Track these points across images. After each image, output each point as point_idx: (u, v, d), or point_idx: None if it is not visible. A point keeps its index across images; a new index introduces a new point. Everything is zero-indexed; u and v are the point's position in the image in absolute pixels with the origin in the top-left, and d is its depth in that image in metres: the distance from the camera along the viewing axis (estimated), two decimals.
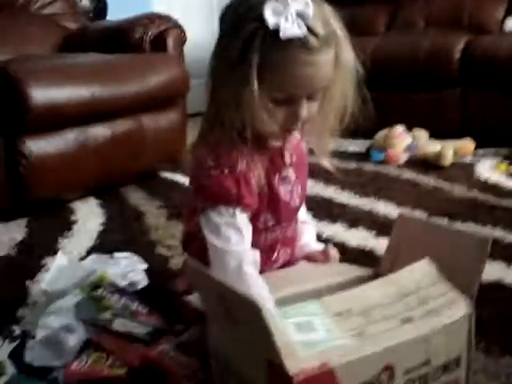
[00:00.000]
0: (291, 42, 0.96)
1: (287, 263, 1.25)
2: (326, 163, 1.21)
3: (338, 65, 1.03)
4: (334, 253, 1.25)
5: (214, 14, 4.48)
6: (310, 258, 1.25)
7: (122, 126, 2.27)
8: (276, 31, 0.95)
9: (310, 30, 0.96)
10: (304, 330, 0.76)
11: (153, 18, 2.59)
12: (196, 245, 1.18)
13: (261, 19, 0.95)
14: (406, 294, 0.85)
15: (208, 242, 1.07)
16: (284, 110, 1.03)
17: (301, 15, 0.96)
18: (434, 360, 0.82)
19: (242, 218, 1.07)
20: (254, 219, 1.11)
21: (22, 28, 2.74)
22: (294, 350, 0.73)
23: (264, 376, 0.76)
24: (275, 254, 1.21)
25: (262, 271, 1.11)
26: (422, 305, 0.84)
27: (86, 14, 3.33)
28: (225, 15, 1.06)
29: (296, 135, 1.17)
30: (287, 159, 1.17)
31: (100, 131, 2.19)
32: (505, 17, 3.35)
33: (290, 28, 0.95)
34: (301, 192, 1.21)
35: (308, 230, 1.33)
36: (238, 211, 1.06)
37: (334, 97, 1.07)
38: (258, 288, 1.02)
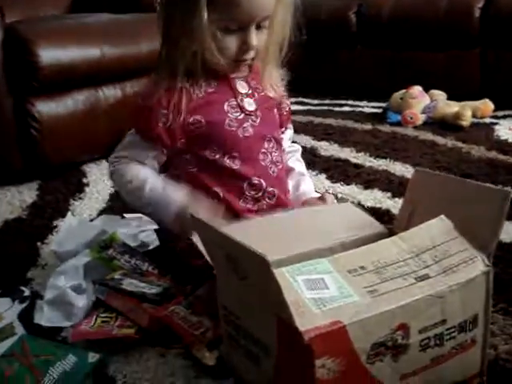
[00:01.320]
0: None
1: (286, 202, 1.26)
2: (271, 91, 1.24)
3: None
4: (331, 198, 1.25)
5: None
6: (307, 204, 1.25)
7: (133, 86, 2.23)
8: None
9: None
10: (315, 287, 0.74)
11: None
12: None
13: None
14: (421, 251, 0.82)
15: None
16: (234, 39, 1.08)
17: None
18: (450, 319, 0.79)
19: (148, 152, 1.18)
20: (199, 153, 1.17)
21: None
22: (305, 307, 0.70)
23: (273, 333, 0.74)
24: (245, 186, 1.21)
25: (238, 212, 1.18)
26: (437, 262, 0.81)
27: None
28: None
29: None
30: (242, 90, 1.20)
31: (111, 92, 2.16)
32: None
33: None
34: (260, 124, 1.22)
35: (305, 181, 1.34)
36: (149, 146, 1.16)
37: (275, 26, 1.13)
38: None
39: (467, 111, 2.47)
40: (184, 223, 1.05)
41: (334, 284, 0.75)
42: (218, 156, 1.18)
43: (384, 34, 3.09)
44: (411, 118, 2.55)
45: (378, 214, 1.55)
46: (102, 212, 1.68)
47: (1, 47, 1.89)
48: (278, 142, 1.28)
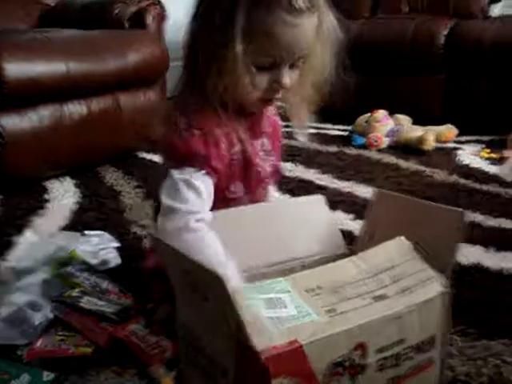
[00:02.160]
0: (277, 2, 0.95)
1: None
2: (301, 137, 1.21)
3: (319, 32, 1.02)
4: None
5: None
6: None
7: (99, 103, 2.22)
8: None
9: None
10: (273, 306, 0.73)
11: None
12: None
13: None
14: (379, 272, 0.82)
15: (162, 202, 1.02)
16: (266, 76, 1.01)
17: None
18: (407, 339, 0.79)
19: (205, 183, 1.03)
20: (223, 189, 1.09)
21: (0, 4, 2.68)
22: (262, 326, 0.70)
23: (231, 353, 0.73)
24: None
25: None
26: (395, 282, 0.81)
27: None
28: None
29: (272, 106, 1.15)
30: (265, 128, 1.16)
31: (76, 108, 2.13)
32: (490, 2, 3.34)
33: None
34: (275, 162, 1.19)
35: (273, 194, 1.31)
36: (202, 174, 1.02)
37: (314, 65, 1.05)
38: (212, 249, 0.96)
39: (430, 136, 2.52)
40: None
41: (292, 303, 0.75)
42: (240, 194, 1.13)
43: (351, 58, 3.14)
44: (376, 141, 2.58)
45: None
46: (63, 229, 1.66)
47: None
48: None
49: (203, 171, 1.02)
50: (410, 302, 0.79)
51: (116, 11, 2.47)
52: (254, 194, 1.16)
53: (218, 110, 1.03)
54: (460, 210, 0.87)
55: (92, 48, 2.19)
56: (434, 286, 0.82)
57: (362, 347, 0.74)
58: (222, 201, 1.08)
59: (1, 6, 2.67)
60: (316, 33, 1.01)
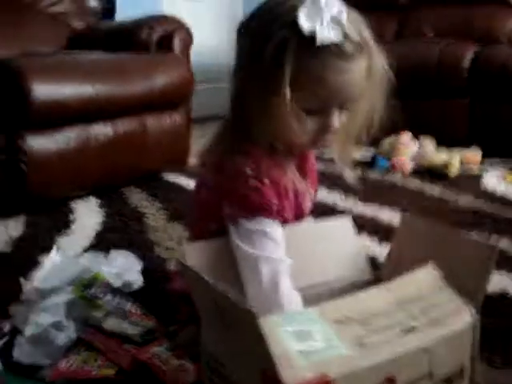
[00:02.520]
0: (326, 48, 0.93)
1: None
2: (348, 174, 1.15)
3: (369, 74, 1.00)
4: None
5: (223, 21, 4.49)
6: None
7: (125, 125, 2.24)
8: (311, 37, 0.92)
9: (345, 35, 0.94)
10: (302, 339, 0.72)
11: (160, 19, 2.57)
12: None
13: (294, 24, 0.92)
14: (407, 302, 0.81)
15: (240, 254, 1.00)
16: (316, 120, 0.99)
17: (335, 21, 0.93)
18: (436, 371, 0.78)
19: (279, 231, 1.02)
20: None
21: (29, 26, 2.72)
22: (291, 360, 0.68)
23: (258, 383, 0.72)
24: None
25: None
26: (424, 313, 0.80)
27: (94, 13, 3.32)
28: (247, 25, 1.02)
29: None
30: (309, 165, 1.15)
31: (102, 130, 2.16)
32: None
33: (327, 33, 0.92)
34: (313, 198, 1.18)
35: None
36: (276, 224, 1.01)
37: (362, 107, 1.03)
38: (292, 305, 0.96)
39: (455, 160, 2.50)
40: None
41: (321, 335, 0.74)
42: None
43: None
44: (400, 165, 2.57)
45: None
46: (87, 249, 1.67)
47: None
48: None
49: (276, 221, 1.02)
50: (440, 334, 0.78)
51: (143, 35, 2.50)
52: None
53: (273, 156, 1.02)
54: (493, 244, 0.86)
55: (119, 71, 2.22)
56: (464, 317, 0.81)
57: (391, 380, 0.73)
58: None
59: (30, 28, 2.72)
60: (366, 75, 0.99)
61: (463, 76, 2.97)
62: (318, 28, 0.91)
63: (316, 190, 1.21)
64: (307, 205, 1.15)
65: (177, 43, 2.53)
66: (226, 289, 0.73)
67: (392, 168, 2.58)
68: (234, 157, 1.03)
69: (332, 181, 2.41)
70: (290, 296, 0.97)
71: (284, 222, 1.05)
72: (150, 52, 2.50)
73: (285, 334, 0.73)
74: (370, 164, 2.72)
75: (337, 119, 0.99)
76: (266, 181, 1.00)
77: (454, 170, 2.49)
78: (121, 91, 2.18)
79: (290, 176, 1.05)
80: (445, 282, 0.85)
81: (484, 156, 2.71)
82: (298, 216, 1.12)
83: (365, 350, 0.73)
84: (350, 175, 1.15)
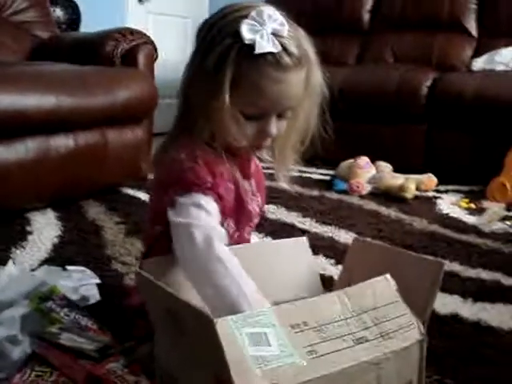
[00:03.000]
0: (265, 58, 0.98)
1: None
2: (283, 182, 1.21)
3: (306, 86, 1.05)
4: None
5: (188, 36, 4.52)
6: None
7: (86, 138, 2.23)
8: (251, 46, 0.98)
9: (284, 48, 0.99)
10: (257, 343, 0.74)
11: (125, 33, 2.57)
12: (159, 246, 1.13)
13: (237, 34, 0.98)
14: (362, 311, 0.84)
15: (172, 224, 1.03)
16: (254, 125, 1.05)
17: (276, 34, 0.99)
18: None
19: (214, 205, 1.04)
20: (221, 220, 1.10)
21: None
22: (246, 365, 0.71)
23: None
24: None
25: None
26: (376, 325, 0.83)
27: (59, 24, 3.30)
28: (201, 30, 1.08)
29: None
30: (252, 169, 1.19)
31: (63, 142, 2.14)
32: (473, 56, 3.43)
33: (265, 44, 0.98)
34: (261, 203, 1.21)
35: None
36: (210, 198, 1.04)
37: (299, 117, 1.10)
38: (237, 275, 0.95)
39: (411, 184, 2.56)
40: None
41: (275, 341, 0.76)
42: (231, 231, 1.13)
43: (334, 105, 3.19)
44: (357, 187, 2.62)
45: (321, 280, 1.57)
46: (43, 262, 1.65)
47: None
48: None
49: (210, 196, 1.04)
50: (390, 349, 0.81)
51: (108, 48, 2.50)
52: (242, 234, 1.18)
53: (214, 150, 1.07)
54: (439, 260, 0.90)
55: (82, 83, 2.21)
56: (413, 333, 0.85)
57: None
58: None
59: None
60: (304, 86, 1.05)
61: (421, 103, 3.05)
62: (257, 39, 0.98)
63: (264, 198, 1.24)
64: (254, 207, 1.18)
65: (141, 57, 2.54)
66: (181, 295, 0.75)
67: (350, 190, 2.63)
68: (171, 149, 1.10)
69: (290, 200, 2.45)
70: (227, 254, 0.98)
71: (222, 204, 1.07)
72: (114, 65, 2.50)
73: (240, 336, 0.74)
74: (328, 185, 2.77)
75: (274, 126, 1.05)
76: (200, 161, 1.05)
77: (410, 193, 2.55)
78: (83, 104, 2.17)
79: (227, 166, 1.08)
80: (399, 295, 0.89)
81: (439, 182, 2.78)
82: (241, 217, 1.15)
83: (316, 359, 0.76)
84: (286, 185, 1.21)
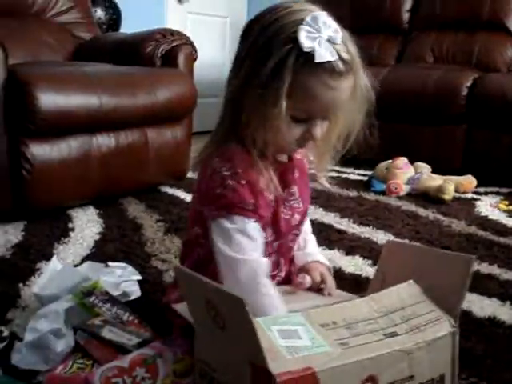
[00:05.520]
0: (322, 65, 0.99)
1: (288, 272, 1.25)
2: (324, 182, 1.22)
3: (353, 92, 1.06)
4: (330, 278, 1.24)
5: (227, 37, 4.55)
6: (311, 266, 1.24)
7: (127, 137, 2.27)
8: (309, 54, 0.98)
9: (338, 56, 1.00)
10: (288, 337, 0.77)
11: (165, 34, 2.60)
12: (194, 253, 1.18)
13: (294, 41, 0.99)
14: (390, 311, 0.86)
15: (218, 252, 1.06)
16: (300, 127, 1.06)
17: (331, 41, 1.00)
18: (417, 376, 0.82)
19: (256, 228, 1.08)
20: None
21: (35, 34, 2.75)
22: (278, 352, 0.73)
23: (246, 378, 0.76)
24: (278, 268, 1.21)
25: None
26: (406, 321, 0.85)
27: (100, 24, 3.36)
28: (249, 32, 1.07)
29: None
30: (296, 174, 1.19)
31: (105, 141, 2.19)
32: None
33: (324, 53, 0.98)
34: (303, 208, 1.21)
35: (312, 242, 1.33)
36: (252, 221, 1.07)
37: (343, 121, 1.10)
38: (272, 298, 1.02)
39: (450, 186, 2.54)
40: None
41: (306, 335, 0.78)
42: (270, 239, 1.15)
43: (375, 105, 3.18)
44: (395, 188, 2.61)
45: (358, 280, 1.58)
46: (85, 258, 1.69)
47: (2, 88, 1.92)
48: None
49: (253, 219, 1.07)
50: (420, 339, 0.82)
51: (149, 49, 2.54)
52: (283, 241, 1.19)
53: (257, 160, 1.07)
54: (469, 255, 0.91)
55: (124, 83, 2.25)
56: (444, 326, 0.86)
57: (373, 379, 0.77)
58: None
59: (36, 38, 2.74)
60: (351, 93, 1.05)
61: (461, 103, 3.01)
62: (316, 47, 0.98)
63: (308, 202, 1.25)
64: (294, 216, 1.18)
65: (181, 58, 2.57)
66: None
67: (388, 191, 2.62)
68: (212, 157, 1.10)
69: (328, 200, 2.46)
70: (271, 297, 1.02)
71: (261, 219, 1.09)
72: (155, 66, 2.54)
73: (271, 332, 0.77)
74: (366, 186, 2.76)
75: (319, 129, 1.06)
76: (243, 181, 1.06)
77: (449, 195, 2.52)
78: (125, 103, 2.22)
79: (267, 176, 1.09)
80: (425, 295, 0.90)
81: (478, 184, 2.75)
82: (279, 225, 1.15)
83: (348, 349, 0.78)
84: (326, 183, 1.23)
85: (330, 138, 1.13)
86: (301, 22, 0.99)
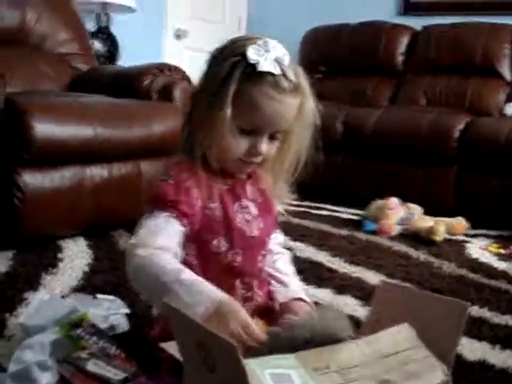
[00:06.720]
0: (266, 78, 1.08)
1: (265, 304, 1.25)
2: (279, 207, 1.29)
3: (300, 113, 1.14)
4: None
5: None
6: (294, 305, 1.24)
7: (120, 169, 2.27)
8: (254, 66, 1.07)
9: (283, 74, 1.09)
10: (280, 381, 0.75)
11: (162, 68, 2.63)
12: None
13: (243, 55, 1.09)
14: (385, 355, 0.84)
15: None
16: (247, 141, 1.12)
17: (278, 61, 1.09)
18: None
19: (173, 226, 1.10)
20: (206, 243, 1.16)
21: (34, 64, 2.78)
22: None
23: None
24: (237, 283, 1.21)
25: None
26: (401, 367, 0.83)
27: (98, 56, 3.39)
28: (212, 55, 1.17)
29: (262, 180, 1.25)
30: (249, 194, 1.23)
31: (98, 172, 2.19)
32: (506, 101, 3.43)
33: (268, 65, 1.08)
34: (263, 228, 1.23)
35: (295, 281, 1.35)
36: (166, 215, 1.10)
37: (292, 142, 1.18)
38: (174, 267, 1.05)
39: (441, 227, 2.55)
40: (223, 317, 0.94)
41: (299, 379, 0.77)
42: (223, 249, 1.17)
43: (367, 145, 3.21)
44: (387, 228, 2.61)
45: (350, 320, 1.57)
46: (74, 289, 1.67)
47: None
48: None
49: (171, 214, 1.10)
50: None
51: (146, 82, 2.56)
52: (245, 255, 1.20)
53: (198, 165, 1.13)
54: (463, 302, 0.91)
55: (120, 115, 2.26)
56: (438, 375, 0.85)
57: None
58: (207, 254, 1.17)
59: (34, 67, 2.77)
60: (297, 114, 1.13)
61: (453, 145, 3.04)
62: (261, 59, 1.08)
63: (270, 225, 1.27)
64: (252, 230, 1.20)
65: (177, 92, 2.59)
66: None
67: (379, 231, 2.62)
68: (169, 163, 1.19)
69: (320, 239, 2.46)
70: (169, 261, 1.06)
71: (184, 216, 1.11)
72: (151, 99, 2.55)
73: (264, 376, 0.75)
74: (357, 225, 2.76)
75: (264, 144, 1.13)
76: (170, 181, 1.13)
77: (440, 236, 2.53)
78: (120, 135, 2.22)
79: (209, 187, 1.15)
80: (420, 340, 0.89)
81: (469, 226, 2.76)
82: (232, 236, 1.17)
83: None
84: (281, 209, 1.29)
85: (283, 161, 1.20)
86: (253, 43, 1.09)
